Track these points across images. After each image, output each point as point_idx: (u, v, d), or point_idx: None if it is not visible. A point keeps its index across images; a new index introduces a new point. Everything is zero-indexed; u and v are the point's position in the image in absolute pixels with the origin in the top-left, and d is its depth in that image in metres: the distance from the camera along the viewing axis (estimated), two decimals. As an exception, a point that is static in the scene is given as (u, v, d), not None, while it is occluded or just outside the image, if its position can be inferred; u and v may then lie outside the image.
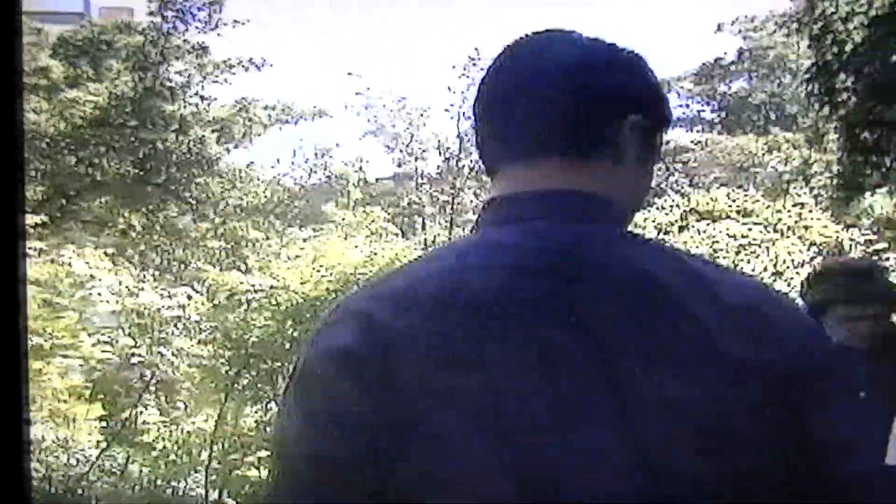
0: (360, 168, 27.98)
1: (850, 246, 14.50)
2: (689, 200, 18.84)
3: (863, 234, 14.90)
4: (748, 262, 14.74)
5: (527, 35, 1.43)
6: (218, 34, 21.24)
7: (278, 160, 27.53)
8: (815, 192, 17.07)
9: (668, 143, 28.63)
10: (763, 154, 23.25)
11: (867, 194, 12.28)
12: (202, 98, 21.45)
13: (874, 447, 1.31)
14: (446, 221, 25.56)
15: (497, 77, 1.40)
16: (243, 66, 21.45)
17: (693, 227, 16.60)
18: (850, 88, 11.22)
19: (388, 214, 25.27)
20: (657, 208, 18.83)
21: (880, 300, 3.56)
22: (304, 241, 14.48)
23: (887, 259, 13.92)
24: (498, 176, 1.37)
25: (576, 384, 1.17)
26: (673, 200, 19.10)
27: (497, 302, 1.20)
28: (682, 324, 1.22)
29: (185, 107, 20.87)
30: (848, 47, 11.37)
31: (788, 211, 16.20)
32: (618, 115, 1.38)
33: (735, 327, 1.23)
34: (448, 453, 1.14)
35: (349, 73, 29.71)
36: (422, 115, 27.01)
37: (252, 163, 23.47)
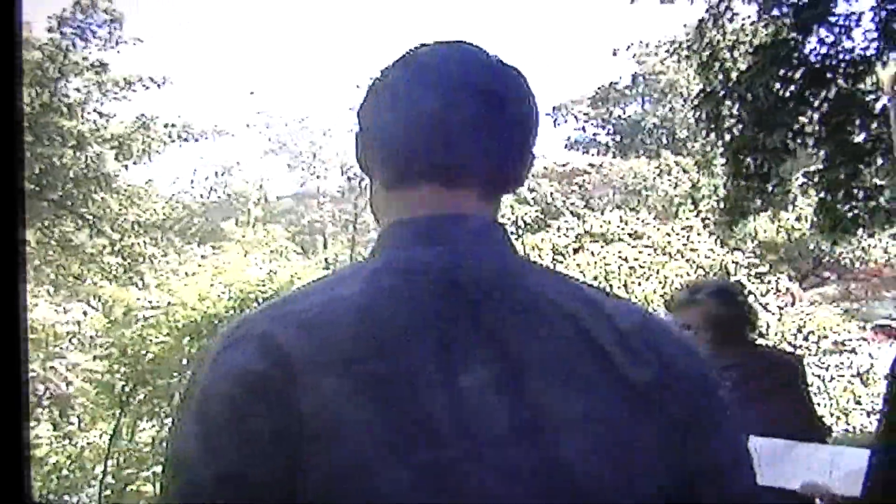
0: (261, 186, 27.85)
1: (735, 269, 14.89)
2: (584, 223, 19.17)
3: (746, 258, 15.30)
4: (639, 284, 14.99)
5: (433, 46, 1.40)
6: (118, 52, 21.09)
7: (178, 178, 27.28)
8: (703, 215, 17.52)
9: (565, 165, 29.12)
10: (654, 177, 23.73)
11: (750, 218, 12.68)
12: (101, 115, 21.19)
13: (750, 464, 1.36)
14: (348, 240, 25.59)
15: (416, 89, 1.34)
16: (143, 84, 21.26)
17: (587, 249, 16.86)
18: (735, 115, 11.53)
19: (289, 233, 25.13)
20: (554, 230, 19.17)
21: (712, 321, 3.63)
22: (203, 258, 14.36)
23: (769, 281, 14.43)
24: (404, 193, 1.34)
25: (486, 403, 1.18)
26: (568, 223, 19.42)
27: (407, 325, 1.20)
28: (582, 346, 1.25)
29: (83, 123, 20.58)
30: (734, 74, 11.70)
31: (677, 234, 16.57)
32: (533, 144, 1.40)
33: (627, 349, 1.27)
34: (356, 476, 1.14)
35: (251, 93, 29.58)
36: (324, 135, 26.99)
37: (151, 180, 23.26)
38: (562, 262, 16.16)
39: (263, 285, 12.75)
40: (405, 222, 1.32)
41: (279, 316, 1.23)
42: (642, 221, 18.74)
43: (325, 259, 22.38)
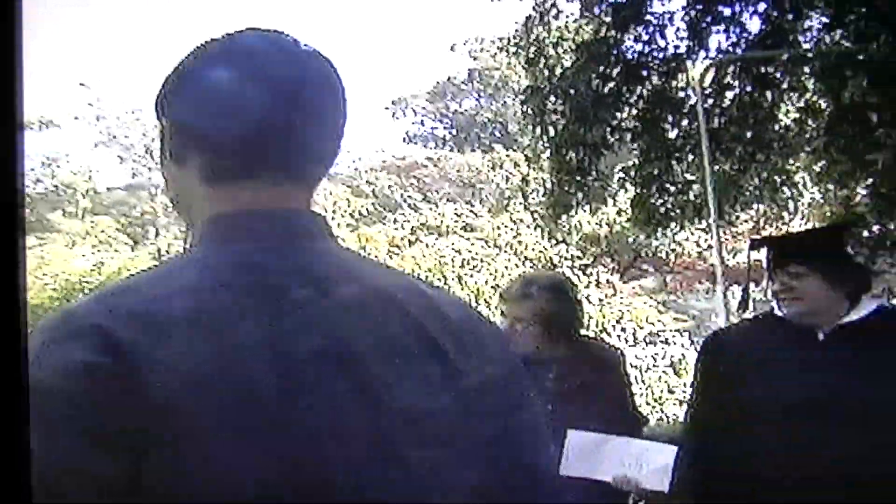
0: (90, 177, 27.12)
1: (560, 261, 15.27)
2: (420, 215, 19.34)
3: (569, 251, 15.69)
4: (471, 276, 15.24)
5: (247, 35, 1.37)
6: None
7: (-1, 167, 26.19)
8: (533, 209, 17.89)
9: (403, 158, 29.27)
10: (488, 171, 24.14)
11: (574, 212, 13.01)
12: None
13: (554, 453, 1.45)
14: (181, 231, 25.09)
15: (233, 81, 1.31)
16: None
17: (422, 241, 17.02)
18: (559, 110, 11.77)
19: (120, 224, 24.56)
20: (391, 223, 19.28)
21: (539, 315, 3.71)
22: (28, 249, 13.89)
23: (590, 273, 14.86)
24: (224, 188, 1.31)
25: (321, 396, 1.18)
26: (405, 215, 19.56)
27: (241, 320, 1.19)
28: (415, 337, 1.27)
29: None
30: (558, 71, 11.96)
31: (507, 227, 16.91)
32: (342, 135, 1.39)
33: (457, 340, 1.30)
34: (199, 467, 1.13)
35: (81, 84, 28.74)
36: (157, 127, 26.44)
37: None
38: (397, 255, 16.27)
39: (90, 276, 12.41)
40: (229, 216, 1.29)
41: (112, 308, 1.20)
42: (475, 214, 19.05)
43: (158, 250, 21.91)
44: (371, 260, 1.48)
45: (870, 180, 8.23)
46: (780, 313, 3.36)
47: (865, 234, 8.33)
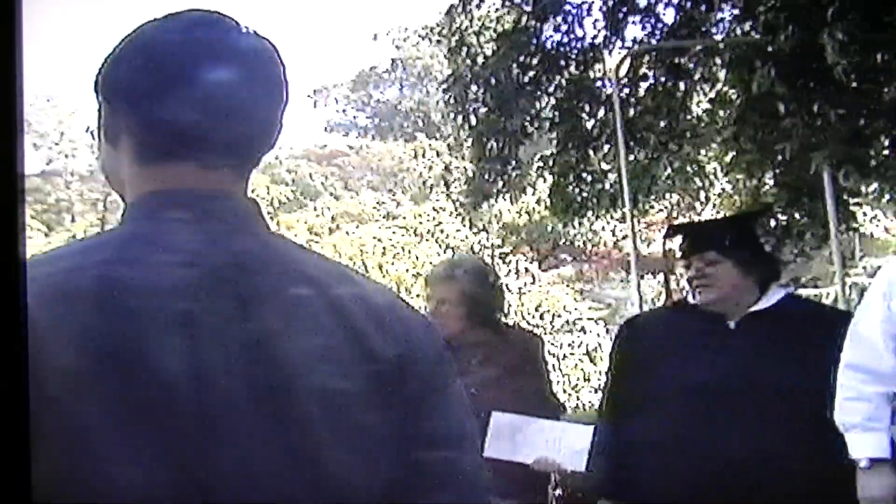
0: (3, 163, 26.52)
1: (480, 250, 15.33)
2: (341, 203, 19.30)
3: (490, 239, 15.76)
4: (392, 264, 15.23)
5: (182, 15, 1.34)
6: None
7: None
8: (454, 197, 17.93)
9: (324, 147, 29.14)
10: (410, 160, 24.15)
11: (494, 200, 13.07)
12: None
13: (475, 439, 1.43)
14: (98, 219, 24.73)
15: (169, 62, 1.29)
16: None
17: (343, 229, 16.97)
18: (481, 99, 11.82)
19: (35, 211, 24.08)
20: (311, 211, 19.20)
21: (460, 299, 3.73)
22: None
23: (510, 261, 14.96)
24: (157, 169, 1.29)
25: (230, 376, 1.17)
26: (325, 203, 19.50)
27: (152, 296, 1.17)
28: (335, 321, 1.26)
29: None
30: (480, 59, 12.00)
31: (429, 216, 16.90)
32: (282, 118, 1.39)
33: (379, 326, 1.29)
34: (88, 453, 1.11)
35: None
36: (72, 114, 25.97)
37: None
38: (317, 243, 16.20)
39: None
40: (159, 193, 1.28)
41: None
42: (397, 203, 19.06)
43: (73, 236, 21.55)
44: (300, 246, 1.43)
45: (777, 170, 8.40)
46: (693, 301, 3.41)
47: (773, 223, 8.51)
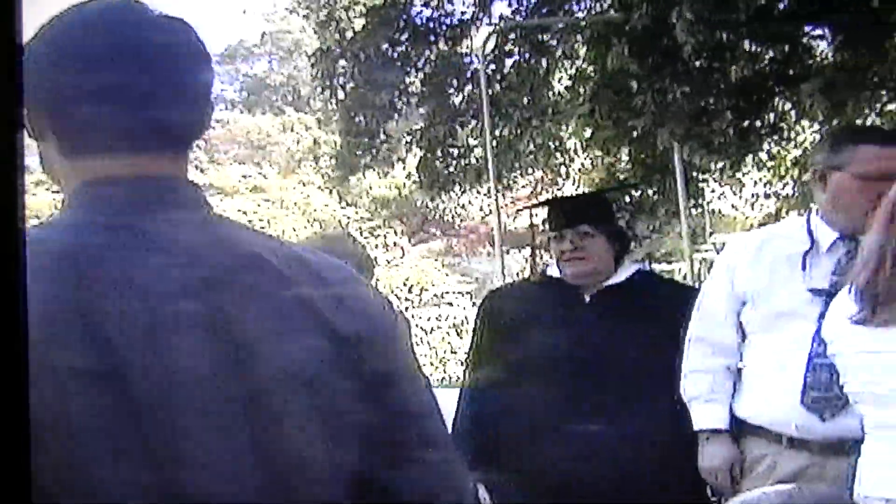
0: None
1: (349, 223, 15.35)
2: (206, 177, 19.03)
3: (357, 213, 15.78)
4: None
5: (93, 3, 1.30)
6: None
7: None
8: (323, 171, 17.90)
9: (190, 119, 28.49)
10: (278, 133, 23.88)
11: (362, 174, 13.09)
12: None
13: (438, 410, 1.44)
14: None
15: (86, 50, 1.26)
16: None
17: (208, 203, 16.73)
18: (349, 73, 11.80)
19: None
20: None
21: None
22: None
23: (379, 235, 15.05)
24: (88, 160, 1.26)
25: (191, 354, 1.16)
26: (191, 177, 19.15)
27: (110, 281, 1.16)
28: (292, 299, 1.26)
29: None
30: (349, 34, 11.99)
31: (296, 189, 16.84)
32: (210, 95, 1.37)
33: (336, 303, 1.30)
34: (56, 425, 1.10)
35: None
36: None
37: None
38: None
39: None
40: (90, 184, 1.25)
41: None
42: (264, 176, 18.91)
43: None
44: (248, 226, 1.41)
45: (631, 147, 8.66)
46: (554, 274, 3.48)
47: (627, 198, 8.77)
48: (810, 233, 3.05)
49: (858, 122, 7.25)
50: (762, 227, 4.34)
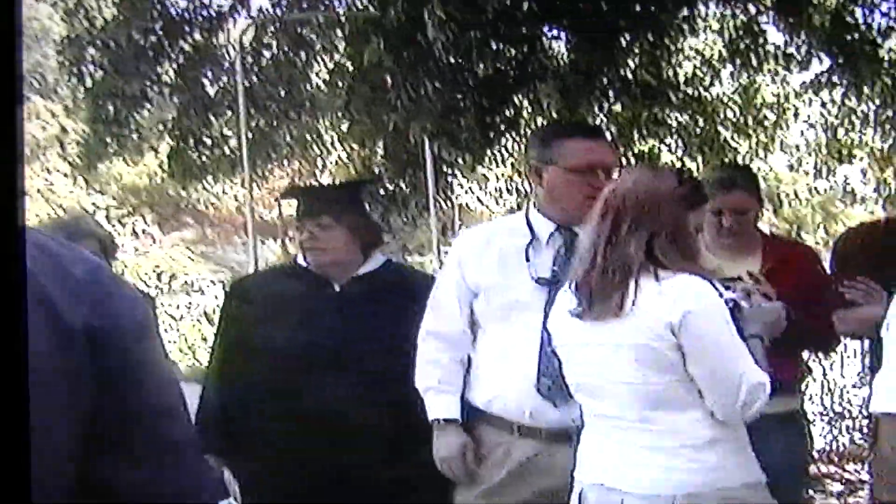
0: None
1: (94, 210, 14.96)
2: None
3: (104, 200, 15.40)
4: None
5: None
6: None
7: None
8: (70, 159, 17.36)
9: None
10: (25, 122, 22.88)
11: (109, 162, 12.82)
12: None
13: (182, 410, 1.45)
14: None
15: None
16: None
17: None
18: (97, 62, 11.56)
19: None
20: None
21: None
22: None
23: (128, 224, 14.79)
24: None
25: None
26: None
27: None
28: (30, 293, 1.16)
29: None
30: (98, 23, 11.74)
31: (39, 175, 16.26)
32: None
33: (73, 296, 1.28)
34: None
35: None
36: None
37: None
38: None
39: None
40: None
41: None
42: (5, 163, 18.06)
43: None
44: None
45: (385, 140, 8.96)
46: (303, 263, 3.58)
47: (381, 191, 9.06)
48: (530, 225, 3.23)
49: (589, 121, 7.83)
50: (486, 223, 4.62)
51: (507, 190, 10.90)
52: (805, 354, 4.26)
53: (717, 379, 2.59)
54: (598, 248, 2.66)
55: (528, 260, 3.17)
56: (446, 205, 10.06)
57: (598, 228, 2.68)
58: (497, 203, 12.19)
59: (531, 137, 3.41)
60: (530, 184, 3.37)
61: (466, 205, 12.47)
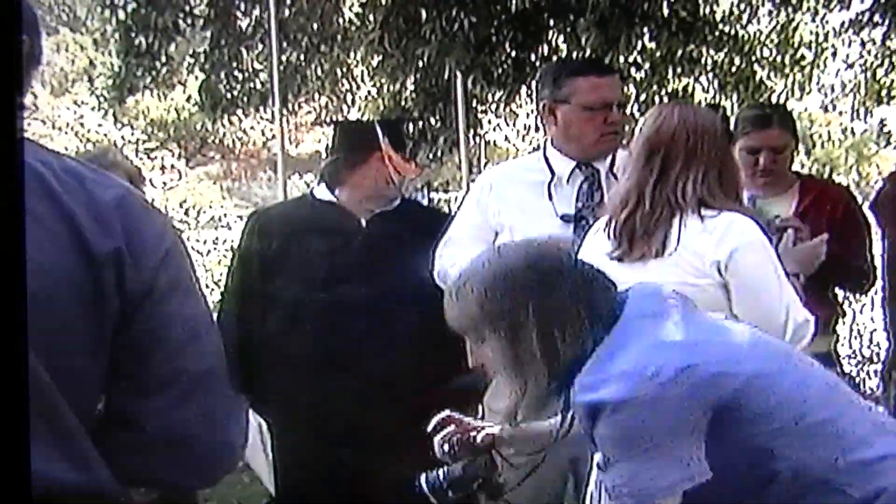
0: None
1: (124, 144, 15.01)
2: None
3: (134, 134, 15.43)
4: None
5: None
6: None
7: None
8: (98, 93, 17.39)
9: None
10: (52, 54, 22.95)
11: (140, 95, 12.81)
12: None
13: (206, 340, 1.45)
14: None
15: None
16: None
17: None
18: (128, -6, 11.47)
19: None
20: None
21: None
22: None
23: (156, 157, 14.82)
24: None
25: None
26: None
27: None
28: (54, 215, 1.26)
29: None
30: (130, -46, 11.63)
31: (68, 108, 16.27)
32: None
33: (99, 221, 1.29)
34: None
35: None
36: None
37: None
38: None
39: None
40: None
41: None
42: (34, 95, 18.13)
43: None
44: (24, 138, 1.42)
45: (417, 75, 8.89)
46: (324, 197, 3.61)
47: (410, 127, 9.01)
48: (549, 164, 3.29)
49: (623, 58, 7.74)
50: (504, 163, 4.61)
51: (536, 127, 10.80)
52: (840, 296, 4.20)
53: (764, 317, 2.55)
54: (643, 188, 2.62)
55: (549, 198, 3.19)
56: (474, 141, 9.96)
57: (643, 169, 2.65)
58: (523, 140, 12.10)
59: (541, 77, 3.40)
60: (544, 123, 3.37)
61: (493, 142, 12.37)
